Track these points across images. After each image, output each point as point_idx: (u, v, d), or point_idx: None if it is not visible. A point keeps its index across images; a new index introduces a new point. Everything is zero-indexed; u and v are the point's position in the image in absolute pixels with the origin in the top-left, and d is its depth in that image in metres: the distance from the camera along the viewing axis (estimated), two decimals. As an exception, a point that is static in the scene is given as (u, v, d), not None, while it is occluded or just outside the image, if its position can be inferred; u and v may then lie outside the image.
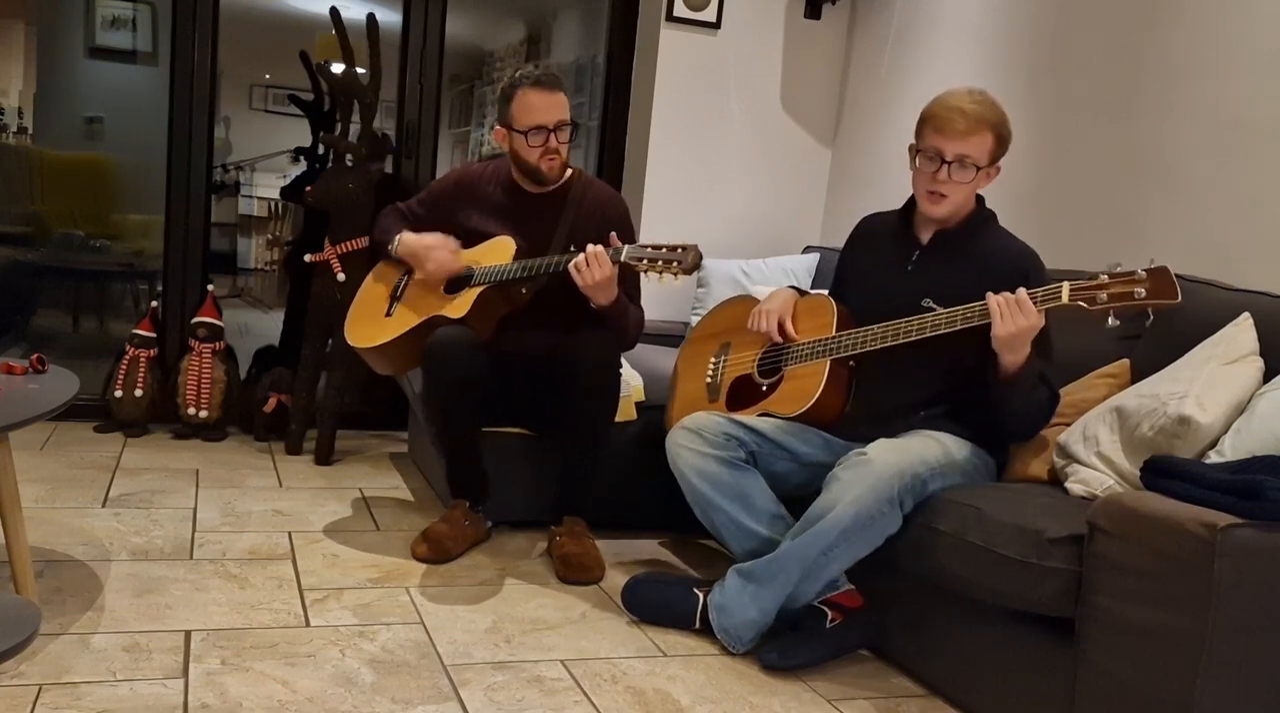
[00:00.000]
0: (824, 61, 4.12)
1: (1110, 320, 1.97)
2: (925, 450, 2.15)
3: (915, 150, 2.30)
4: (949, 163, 2.23)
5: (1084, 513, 1.83)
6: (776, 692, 2.12)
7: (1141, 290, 1.94)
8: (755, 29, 4.01)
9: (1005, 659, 1.99)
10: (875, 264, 2.46)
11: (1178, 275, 2.42)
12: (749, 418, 2.38)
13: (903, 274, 2.37)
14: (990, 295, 2.08)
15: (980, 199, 2.37)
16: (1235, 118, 2.55)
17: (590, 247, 2.49)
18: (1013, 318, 2.05)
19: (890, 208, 2.51)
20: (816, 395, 2.31)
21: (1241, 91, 2.54)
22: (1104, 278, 1.98)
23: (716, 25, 3.95)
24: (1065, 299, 2.02)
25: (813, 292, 2.57)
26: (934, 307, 2.22)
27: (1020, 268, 2.22)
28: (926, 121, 2.28)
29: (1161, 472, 1.81)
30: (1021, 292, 2.06)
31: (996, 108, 2.26)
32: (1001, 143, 2.26)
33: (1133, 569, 1.70)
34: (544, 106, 2.64)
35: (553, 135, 2.65)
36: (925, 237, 2.38)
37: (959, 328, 2.13)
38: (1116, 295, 1.96)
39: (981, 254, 2.28)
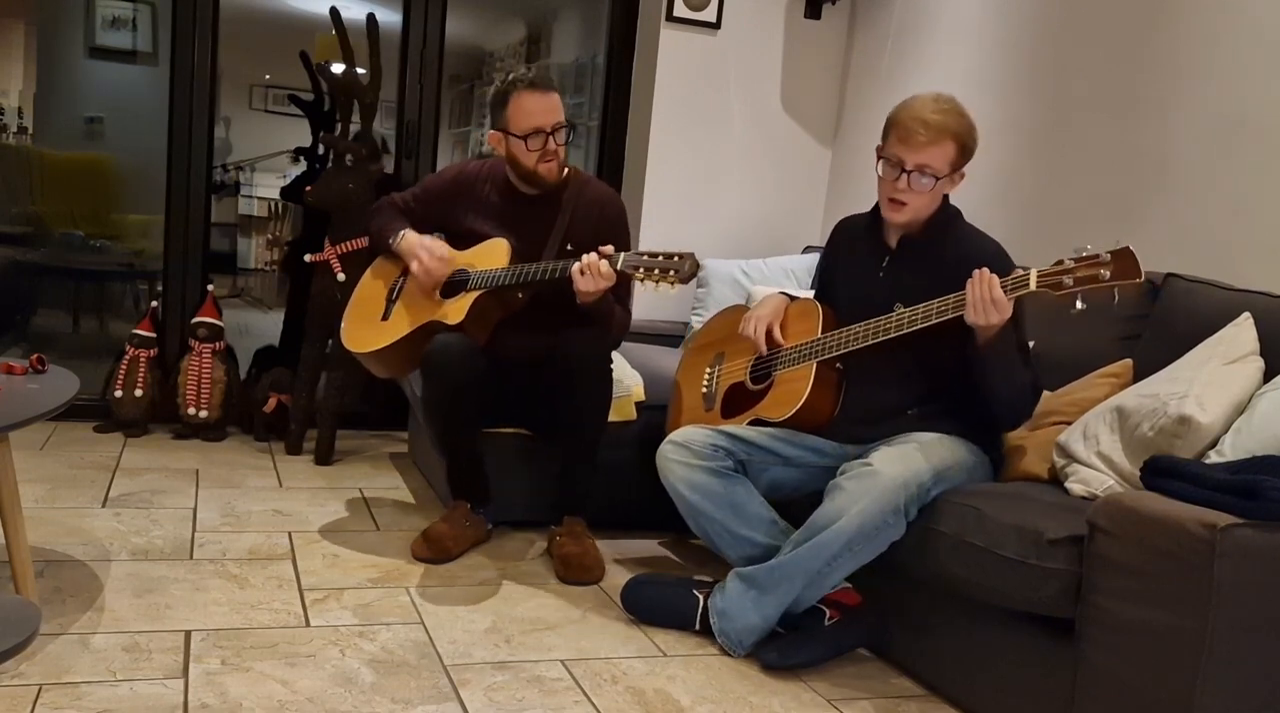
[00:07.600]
0: (824, 61, 4.11)
1: (1078, 304, 1.97)
2: (930, 457, 2.15)
3: (880, 155, 2.29)
4: (909, 172, 2.22)
5: (1084, 513, 1.83)
6: (776, 692, 2.12)
7: (1105, 272, 1.94)
8: (755, 29, 4.00)
9: (1005, 659, 1.99)
10: (851, 267, 2.47)
11: (1178, 275, 2.45)
12: (738, 428, 2.38)
13: (875, 279, 2.37)
14: (970, 285, 2.08)
15: (944, 197, 2.35)
16: (1235, 118, 2.55)
17: (587, 257, 2.47)
18: (985, 313, 2.05)
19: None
20: (804, 398, 2.32)
21: (1241, 91, 2.54)
22: (1069, 262, 1.99)
23: (716, 25, 3.94)
24: (1033, 286, 2.03)
25: (801, 295, 2.57)
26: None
27: (988, 265, 2.17)
28: (891, 128, 2.26)
29: (1161, 472, 1.81)
30: (995, 285, 2.05)
31: (961, 116, 2.23)
32: (964, 151, 2.24)
33: (1133, 569, 1.70)
34: (540, 109, 2.62)
35: (551, 138, 2.64)
36: (893, 241, 2.38)
37: (935, 322, 2.14)
38: (1082, 278, 1.96)
39: (949, 257, 2.25)
